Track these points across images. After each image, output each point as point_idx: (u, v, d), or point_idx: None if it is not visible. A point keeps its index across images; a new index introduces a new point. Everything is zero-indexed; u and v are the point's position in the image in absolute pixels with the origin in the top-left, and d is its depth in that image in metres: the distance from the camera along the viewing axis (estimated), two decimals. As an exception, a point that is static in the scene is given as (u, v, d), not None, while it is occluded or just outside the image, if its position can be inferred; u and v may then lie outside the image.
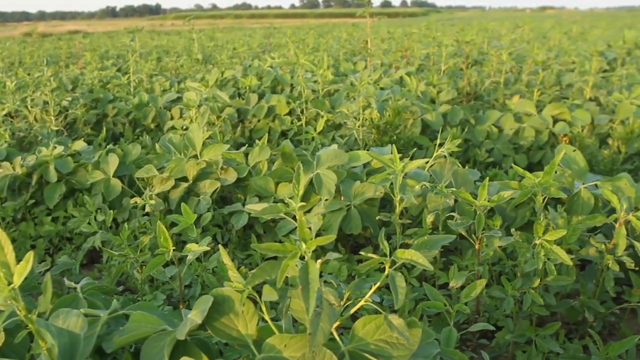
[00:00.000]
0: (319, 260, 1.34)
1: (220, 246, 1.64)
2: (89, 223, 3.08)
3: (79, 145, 3.80)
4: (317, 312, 1.28)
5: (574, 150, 2.76)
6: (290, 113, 5.18)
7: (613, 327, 2.58)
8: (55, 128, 4.96)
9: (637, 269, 2.21)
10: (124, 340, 1.50)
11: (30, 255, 1.31)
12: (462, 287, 2.04)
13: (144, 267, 2.42)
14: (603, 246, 2.29)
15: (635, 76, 5.90)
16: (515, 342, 2.23)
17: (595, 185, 2.61)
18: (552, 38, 13.30)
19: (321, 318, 1.28)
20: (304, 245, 1.30)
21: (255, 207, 1.89)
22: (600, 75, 6.04)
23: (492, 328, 1.96)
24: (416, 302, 2.37)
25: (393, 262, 1.39)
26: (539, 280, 2.14)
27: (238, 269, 2.94)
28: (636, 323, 2.41)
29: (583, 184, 2.64)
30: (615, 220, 2.25)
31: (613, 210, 2.29)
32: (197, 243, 2.13)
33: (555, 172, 2.56)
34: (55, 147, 3.60)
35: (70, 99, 5.65)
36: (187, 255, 2.05)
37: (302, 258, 1.32)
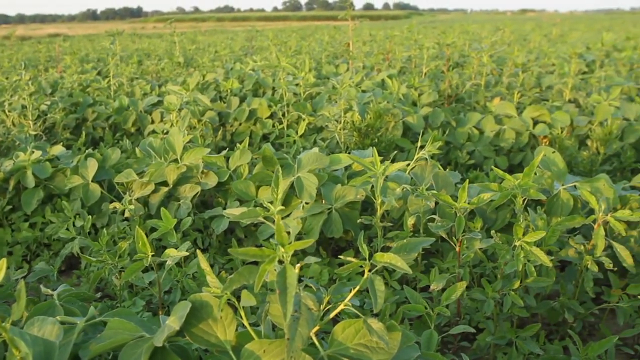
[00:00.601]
0: (298, 265, 1.33)
1: (198, 251, 1.62)
2: (67, 229, 3.05)
3: (58, 149, 3.75)
4: (295, 317, 1.27)
5: (553, 152, 2.78)
6: (271, 116, 5.17)
7: (593, 328, 2.60)
8: (34, 132, 4.90)
9: (615, 269, 2.22)
10: (101, 348, 1.48)
11: (3, 263, 1.29)
12: (443, 290, 2.04)
13: (122, 273, 2.39)
14: (582, 247, 2.31)
15: (613, 78, 5.97)
16: (496, 344, 2.23)
17: (575, 186, 2.63)
18: (532, 40, 13.41)
19: (299, 323, 1.27)
20: (281, 249, 1.29)
21: (234, 211, 1.88)
22: (579, 77, 6.11)
23: (473, 330, 1.97)
24: (397, 305, 2.37)
25: (372, 266, 1.39)
26: (519, 281, 2.14)
27: (219, 274, 2.92)
28: (615, 323, 2.43)
29: (562, 185, 2.66)
30: (594, 221, 2.27)
31: (592, 211, 2.30)
32: (176, 248, 2.11)
33: (535, 174, 2.58)
34: (33, 152, 3.55)
35: (49, 103, 5.59)
36: (166, 261, 2.03)
37: (281, 262, 1.30)
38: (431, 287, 2.11)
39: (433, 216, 2.34)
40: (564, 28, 21.59)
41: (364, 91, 5.33)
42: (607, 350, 2.07)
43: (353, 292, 1.45)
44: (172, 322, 1.43)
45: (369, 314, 1.43)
